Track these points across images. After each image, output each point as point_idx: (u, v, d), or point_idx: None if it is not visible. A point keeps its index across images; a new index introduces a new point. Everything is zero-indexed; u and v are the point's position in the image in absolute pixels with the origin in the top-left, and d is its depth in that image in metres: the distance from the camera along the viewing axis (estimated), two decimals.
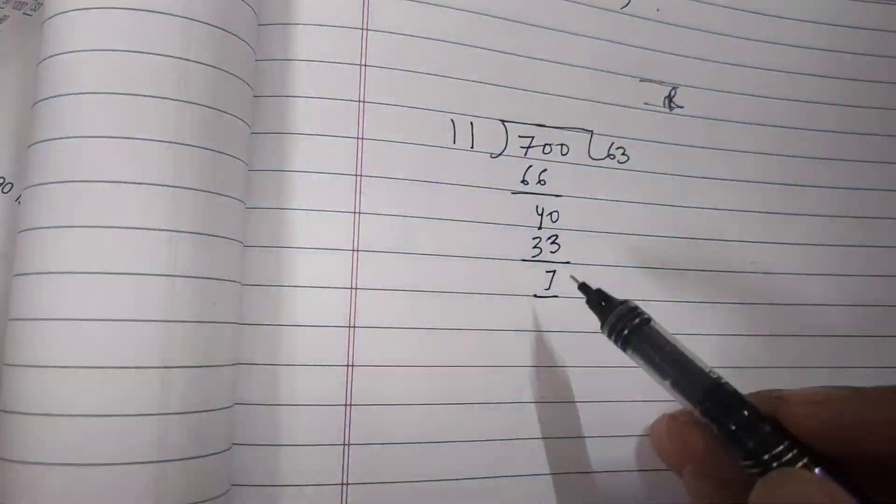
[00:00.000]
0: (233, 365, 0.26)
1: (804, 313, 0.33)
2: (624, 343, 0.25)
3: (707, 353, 0.31)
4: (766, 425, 0.22)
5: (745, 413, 0.23)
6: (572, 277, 0.28)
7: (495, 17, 0.31)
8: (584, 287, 0.27)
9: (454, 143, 0.30)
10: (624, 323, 0.25)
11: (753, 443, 0.22)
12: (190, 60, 0.24)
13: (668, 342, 0.25)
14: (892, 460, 0.21)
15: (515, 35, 0.31)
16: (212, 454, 0.25)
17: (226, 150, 0.25)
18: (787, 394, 0.23)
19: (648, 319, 0.25)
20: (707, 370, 0.24)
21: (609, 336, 0.26)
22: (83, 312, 0.23)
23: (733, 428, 0.23)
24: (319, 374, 0.27)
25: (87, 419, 0.22)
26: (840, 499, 0.20)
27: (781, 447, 0.22)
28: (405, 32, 0.29)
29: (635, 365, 0.28)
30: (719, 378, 0.24)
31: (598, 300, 0.27)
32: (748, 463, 0.22)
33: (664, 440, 0.27)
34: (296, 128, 0.28)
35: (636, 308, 0.26)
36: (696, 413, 0.24)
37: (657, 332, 0.25)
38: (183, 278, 0.24)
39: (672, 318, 0.31)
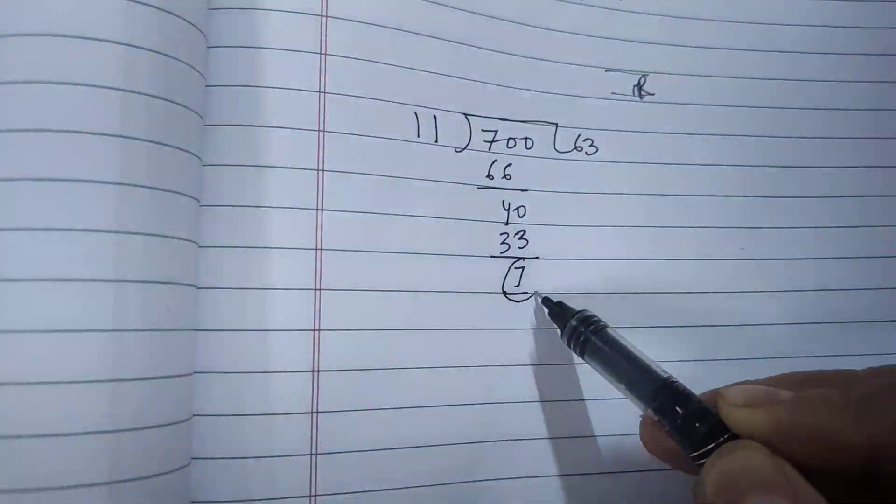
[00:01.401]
0: (190, 375, 0.24)
1: (797, 300, 0.32)
2: (581, 349, 0.27)
3: (686, 346, 0.31)
4: (712, 419, 0.23)
5: (691, 408, 0.23)
6: (535, 294, 0.29)
7: (457, 8, 0.30)
8: (546, 301, 0.29)
9: (418, 136, 0.28)
10: (581, 330, 0.27)
11: (698, 435, 0.23)
12: (135, 47, 0.23)
13: (621, 346, 0.26)
14: (831, 468, 0.21)
15: (477, 27, 0.30)
16: (169, 471, 0.23)
17: (176, 144, 0.24)
18: (727, 393, 0.23)
19: (604, 326, 0.27)
20: (658, 370, 0.25)
21: (568, 344, 0.28)
22: (23, 323, 0.21)
23: (679, 422, 0.23)
24: (284, 382, 0.25)
25: (30, 440, 0.20)
26: (786, 469, 0.20)
27: (725, 437, 0.22)
28: (366, 20, 0.28)
29: None
30: (670, 377, 0.25)
31: (557, 311, 0.28)
32: (696, 455, 0.23)
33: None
34: (253, 120, 0.26)
35: (593, 316, 0.27)
36: (650, 413, 0.24)
37: (612, 336, 0.26)
38: (133, 283, 0.22)
39: (652, 312, 0.31)
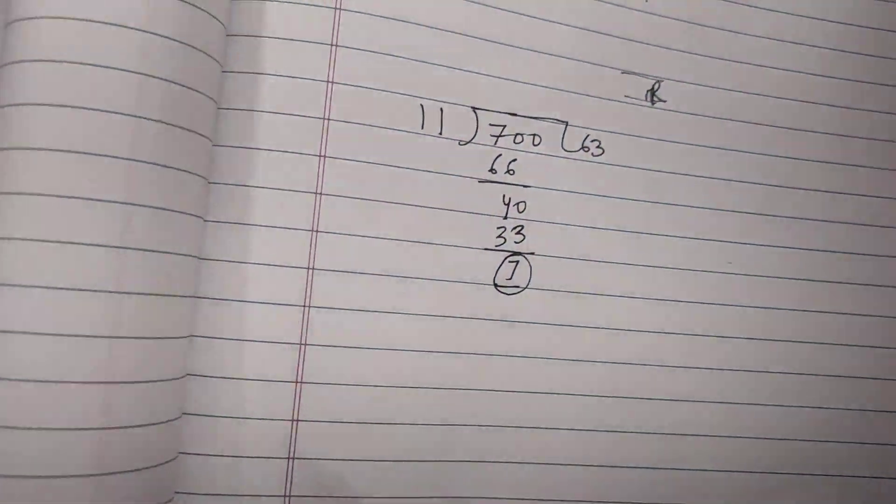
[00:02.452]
0: (187, 337, 0.27)
1: (780, 318, 0.33)
2: None
3: (671, 353, 0.31)
4: None
5: None
6: None
7: (470, 0, 0.30)
8: None
9: (422, 128, 0.30)
10: None
11: None
12: (152, 34, 0.25)
13: None
14: None
15: (492, 20, 0.31)
16: (160, 422, 0.25)
17: (188, 125, 0.26)
18: None
19: None
20: None
21: None
22: (30, 280, 0.23)
23: None
24: (272, 351, 0.28)
25: (30, 384, 0.23)
26: None
27: None
28: (378, 13, 0.29)
29: (594, 359, 0.29)
30: None
31: None
32: None
33: None
34: (262, 105, 0.28)
35: None
36: None
37: None
38: (136, 251, 0.24)
39: (638, 316, 0.31)
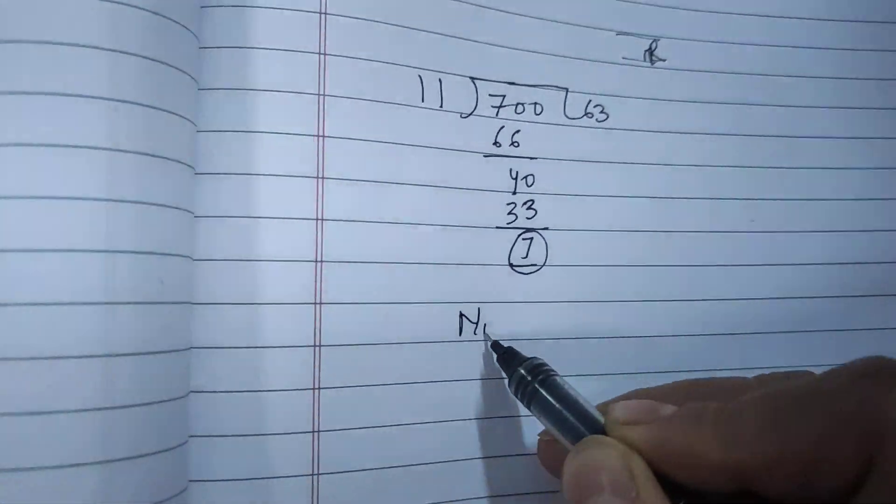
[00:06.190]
0: (186, 349, 0.23)
1: (808, 273, 0.32)
2: (528, 400, 0.24)
3: (699, 319, 0.30)
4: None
5: None
6: (486, 335, 0.27)
7: None
8: (496, 345, 0.27)
9: (422, 101, 0.27)
10: (528, 379, 0.24)
11: None
12: (125, 4, 0.21)
13: (571, 398, 0.23)
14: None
15: None
16: (166, 450, 0.22)
17: (169, 108, 0.22)
18: (612, 409, 0.22)
19: (553, 375, 0.24)
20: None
21: (514, 394, 0.25)
22: (10, 296, 0.20)
23: None
24: (284, 356, 0.25)
25: (20, 417, 0.19)
26: (636, 469, 0.20)
27: None
28: None
29: (624, 334, 0.28)
30: None
31: (506, 357, 0.26)
32: None
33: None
34: (251, 84, 0.25)
35: (543, 364, 0.25)
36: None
37: (560, 387, 0.24)
38: (125, 254, 0.21)
39: (664, 283, 0.30)
